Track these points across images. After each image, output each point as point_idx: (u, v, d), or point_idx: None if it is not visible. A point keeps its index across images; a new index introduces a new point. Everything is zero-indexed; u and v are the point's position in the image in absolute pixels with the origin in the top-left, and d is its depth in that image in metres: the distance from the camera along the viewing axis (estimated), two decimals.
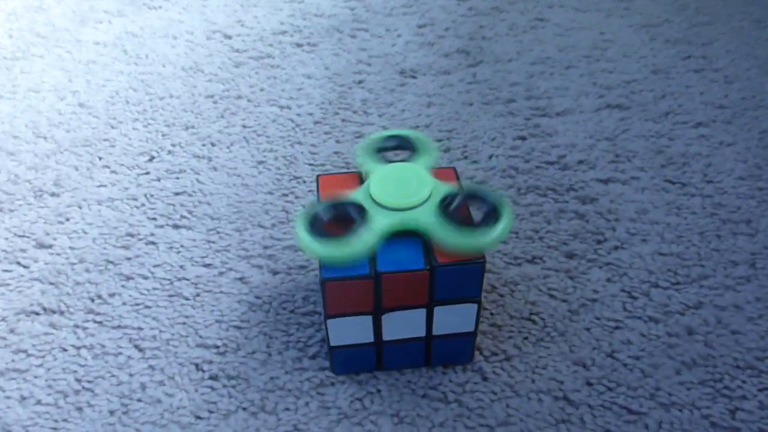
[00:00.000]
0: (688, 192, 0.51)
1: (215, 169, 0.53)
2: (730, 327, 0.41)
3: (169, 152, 0.55)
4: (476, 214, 0.35)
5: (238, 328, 0.42)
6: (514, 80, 0.63)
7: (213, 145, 0.56)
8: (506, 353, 0.40)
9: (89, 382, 0.39)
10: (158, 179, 0.52)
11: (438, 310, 0.36)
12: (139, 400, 0.38)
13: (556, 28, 0.71)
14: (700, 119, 0.58)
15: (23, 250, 0.47)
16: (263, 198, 0.51)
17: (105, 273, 0.45)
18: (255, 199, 0.51)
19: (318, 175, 0.39)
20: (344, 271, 0.34)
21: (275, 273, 0.45)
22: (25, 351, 0.40)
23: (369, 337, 0.37)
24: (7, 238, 0.48)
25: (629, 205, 0.50)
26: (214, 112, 0.60)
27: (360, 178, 0.39)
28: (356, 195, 0.36)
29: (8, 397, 0.38)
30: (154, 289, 0.44)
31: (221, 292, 0.44)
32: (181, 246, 0.47)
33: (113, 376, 0.39)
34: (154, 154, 0.55)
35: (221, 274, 0.45)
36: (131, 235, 0.48)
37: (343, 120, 0.58)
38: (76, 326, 0.42)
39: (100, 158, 0.55)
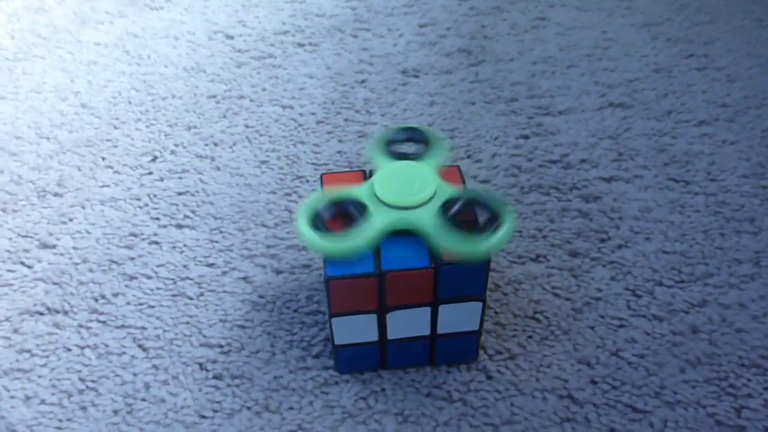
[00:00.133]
0: (691, 190, 0.51)
1: (218, 168, 0.53)
2: (734, 325, 0.41)
3: (172, 152, 0.55)
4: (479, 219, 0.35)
5: (242, 327, 0.41)
6: (516, 79, 0.63)
7: (216, 145, 0.56)
8: (510, 352, 0.40)
9: (93, 381, 0.39)
10: (161, 179, 0.52)
11: (443, 309, 0.36)
12: (143, 400, 0.38)
13: (557, 28, 0.71)
14: (702, 118, 0.58)
15: (27, 251, 0.47)
16: (266, 197, 0.51)
17: (108, 273, 0.45)
18: (258, 198, 0.51)
19: (322, 174, 0.39)
20: (349, 269, 0.34)
21: (279, 272, 0.45)
22: (29, 351, 0.40)
23: (373, 336, 0.37)
24: (10, 239, 0.48)
25: (633, 203, 0.49)
26: (216, 112, 0.60)
27: (364, 177, 0.39)
28: (360, 190, 0.36)
29: (12, 397, 0.38)
30: (158, 288, 0.44)
31: (225, 291, 0.44)
32: (185, 246, 0.47)
33: (117, 375, 0.39)
34: (157, 154, 0.55)
35: (224, 273, 0.45)
36: (134, 235, 0.48)
37: (346, 119, 0.58)
38: (80, 326, 0.42)
39: (102, 158, 0.55)
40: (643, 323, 0.41)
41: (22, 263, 0.46)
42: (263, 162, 0.54)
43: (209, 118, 0.59)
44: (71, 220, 0.49)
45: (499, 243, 0.33)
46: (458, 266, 0.34)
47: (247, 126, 0.58)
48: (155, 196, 0.51)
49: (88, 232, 0.48)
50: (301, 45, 0.69)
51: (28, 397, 0.38)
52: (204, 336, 0.41)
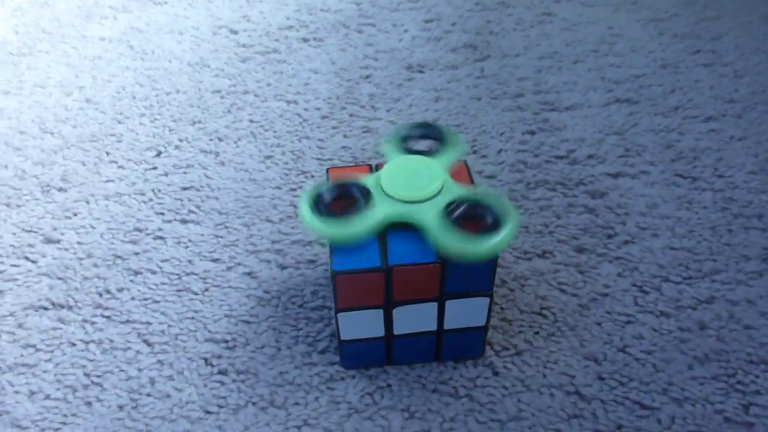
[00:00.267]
0: (698, 186, 0.50)
1: (223, 164, 0.53)
2: (742, 322, 0.41)
3: (177, 147, 0.55)
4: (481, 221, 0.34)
5: (247, 322, 0.41)
6: (521, 75, 0.63)
7: (220, 140, 0.56)
8: (517, 348, 0.40)
9: (98, 376, 0.39)
10: (166, 174, 0.52)
11: (449, 304, 0.35)
12: (148, 395, 0.38)
13: (563, 23, 0.71)
14: (710, 113, 0.57)
15: (31, 245, 0.47)
16: (271, 193, 0.50)
17: (113, 268, 0.45)
18: (263, 193, 0.50)
19: (328, 168, 0.39)
20: (355, 264, 0.33)
21: (284, 268, 0.45)
22: (33, 346, 0.40)
23: (380, 331, 0.36)
24: (14, 233, 0.47)
25: (639, 199, 0.49)
26: (220, 107, 0.59)
27: (370, 171, 0.39)
28: (366, 181, 0.36)
29: (17, 392, 0.38)
30: (163, 283, 0.44)
31: (230, 286, 0.44)
32: (189, 241, 0.47)
33: (122, 371, 0.39)
34: (162, 149, 0.55)
35: (229, 268, 0.45)
36: (139, 230, 0.48)
37: (351, 115, 0.58)
38: (85, 321, 0.42)
39: (107, 153, 0.55)
40: (650, 319, 0.41)
41: (27, 258, 0.46)
42: (268, 157, 0.54)
43: (214, 113, 0.59)
44: (75, 215, 0.49)
45: (499, 245, 0.33)
46: (465, 262, 0.33)
47: (251, 121, 0.58)
48: (160, 191, 0.51)
49: (93, 227, 0.48)
50: (305, 40, 0.69)
51: (32, 392, 0.38)
52: (209, 331, 0.41)
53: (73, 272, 0.45)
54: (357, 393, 0.37)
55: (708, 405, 0.37)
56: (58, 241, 0.47)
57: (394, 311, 0.35)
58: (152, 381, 0.38)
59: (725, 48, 0.66)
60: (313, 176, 0.52)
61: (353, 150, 0.54)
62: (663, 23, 0.70)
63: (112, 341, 0.40)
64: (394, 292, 0.34)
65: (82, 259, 0.46)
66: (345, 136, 0.56)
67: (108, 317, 0.42)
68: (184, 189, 0.51)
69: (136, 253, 0.46)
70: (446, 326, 0.37)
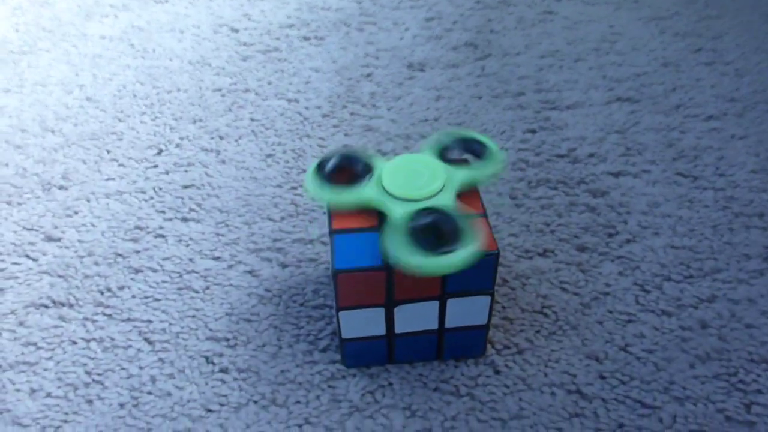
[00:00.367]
0: (700, 185, 0.50)
1: (223, 162, 0.53)
2: (744, 321, 0.41)
3: (177, 145, 0.55)
4: (445, 231, 0.33)
5: (248, 321, 0.41)
6: (522, 73, 0.63)
7: (221, 138, 0.56)
8: (518, 346, 0.40)
9: (99, 375, 0.39)
10: (166, 172, 0.52)
11: (451, 303, 0.35)
12: (149, 393, 0.38)
13: (564, 21, 0.71)
14: (711, 112, 0.57)
15: (32, 243, 0.47)
16: (272, 191, 0.50)
17: (114, 266, 0.45)
18: (264, 192, 0.50)
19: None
20: (357, 262, 0.33)
21: (284, 266, 0.45)
22: (34, 344, 0.40)
23: (381, 330, 0.36)
24: (15, 231, 0.47)
25: (641, 198, 0.49)
26: (221, 106, 0.59)
27: None
28: (376, 162, 0.37)
29: (18, 390, 0.38)
30: (164, 282, 0.44)
31: (231, 285, 0.43)
32: (190, 239, 0.47)
33: (123, 369, 0.39)
34: (162, 147, 0.55)
35: (230, 267, 0.45)
36: (140, 228, 0.48)
37: (352, 113, 0.58)
38: (86, 319, 0.42)
39: (108, 152, 0.54)
40: (651, 318, 0.41)
41: (28, 256, 0.46)
42: (269, 155, 0.54)
43: (214, 112, 0.59)
44: (76, 213, 0.49)
45: (452, 265, 0.32)
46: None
47: (252, 119, 0.58)
48: (160, 189, 0.51)
49: (94, 225, 0.48)
50: (306, 38, 0.68)
51: (33, 390, 0.38)
52: (210, 329, 0.41)
53: (74, 270, 0.45)
54: (358, 391, 0.37)
55: (709, 404, 0.37)
56: (59, 239, 0.47)
57: (396, 310, 0.35)
58: (153, 379, 0.38)
59: (726, 47, 0.66)
60: None
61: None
62: (664, 22, 0.70)
63: (113, 339, 0.40)
64: (396, 290, 0.34)
65: (83, 257, 0.45)
66: (346, 135, 0.56)
67: (109, 315, 0.42)
68: (185, 187, 0.51)
69: (137, 252, 0.46)
70: (447, 325, 0.37)
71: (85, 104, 0.60)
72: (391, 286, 0.34)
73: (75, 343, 0.40)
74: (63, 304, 0.42)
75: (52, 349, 0.40)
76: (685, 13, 0.72)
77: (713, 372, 0.38)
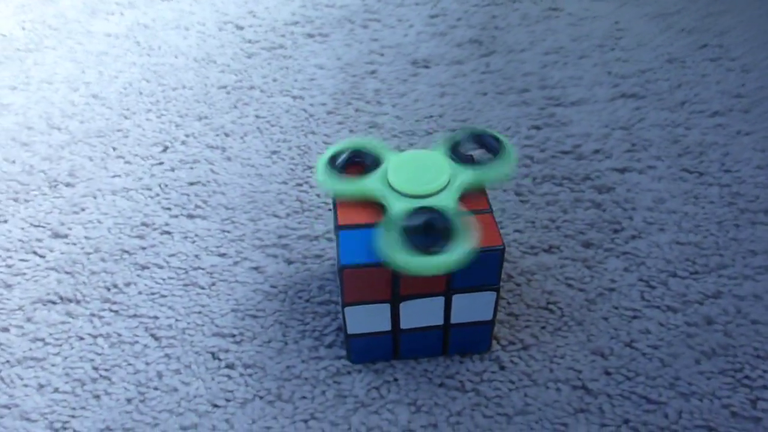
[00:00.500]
0: (705, 181, 0.50)
1: (229, 159, 0.53)
2: (749, 317, 0.41)
3: (183, 143, 0.55)
4: (437, 232, 0.33)
5: (254, 317, 0.41)
6: (527, 70, 0.63)
7: (226, 135, 0.56)
8: (524, 342, 0.40)
9: (106, 370, 0.39)
10: (172, 169, 0.52)
11: (456, 299, 0.35)
12: (156, 389, 0.38)
13: (569, 18, 0.70)
14: (716, 108, 0.57)
15: (39, 240, 0.47)
16: (277, 188, 0.51)
17: (120, 262, 0.45)
18: (269, 189, 0.50)
19: None
20: (363, 258, 0.33)
21: (290, 262, 0.45)
22: (42, 340, 0.40)
23: (386, 326, 0.36)
24: (23, 228, 0.48)
25: (646, 194, 0.49)
26: (226, 103, 0.59)
27: None
28: (386, 155, 0.38)
29: (26, 385, 0.38)
30: (170, 278, 0.44)
31: (236, 281, 0.44)
32: (196, 236, 0.47)
33: (130, 364, 0.39)
34: (168, 144, 0.55)
35: (236, 263, 0.45)
36: (146, 224, 0.48)
37: (356, 110, 0.58)
38: (93, 315, 0.42)
39: (114, 149, 0.55)
40: (657, 314, 0.41)
41: (35, 253, 0.46)
42: (274, 152, 0.54)
43: (220, 109, 0.59)
44: (83, 210, 0.49)
45: (444, 265, 0.32)
46: (472, 256, 0.33)
47: (257, 116, 0.58)
48: (166, 186, 0.51)
49: (100, 222, 0.48)
50: (311, 35, 0.69)
51: (41, 386, 0.38)
52: (216, 325, 0.41)
53: (80, 267, 0.45)
54: (364, 387, 0.38)
55: (715, 400, 0.37)
56: (66, 236, 0.47)
57: (401, 305, 0.35)
58: (160, 375, 0.38)
59: (732, 42, 0.66)
60: None
61: None
62: (669, 18, 0.70)
63: (119, 335, 0.41)
64: (401, 286, 0.34)
65: (89, 253, 0.46)
66: (351, 131, 0.56)
67: (116, 311, 0.42)
68: (191, 184, 0.51)
69: (143, 248, 0.46)
70: (453, 320, 0.37)
71: (91, 101, 0.60)
72: (396, 282, 0.34)
73: (82, 338, 0.40)
74: (70, 300, 0.43)
75: (60, 345, 0.40)
76: (690, 9, 0.71)
77: (719, 368, 0.38)
